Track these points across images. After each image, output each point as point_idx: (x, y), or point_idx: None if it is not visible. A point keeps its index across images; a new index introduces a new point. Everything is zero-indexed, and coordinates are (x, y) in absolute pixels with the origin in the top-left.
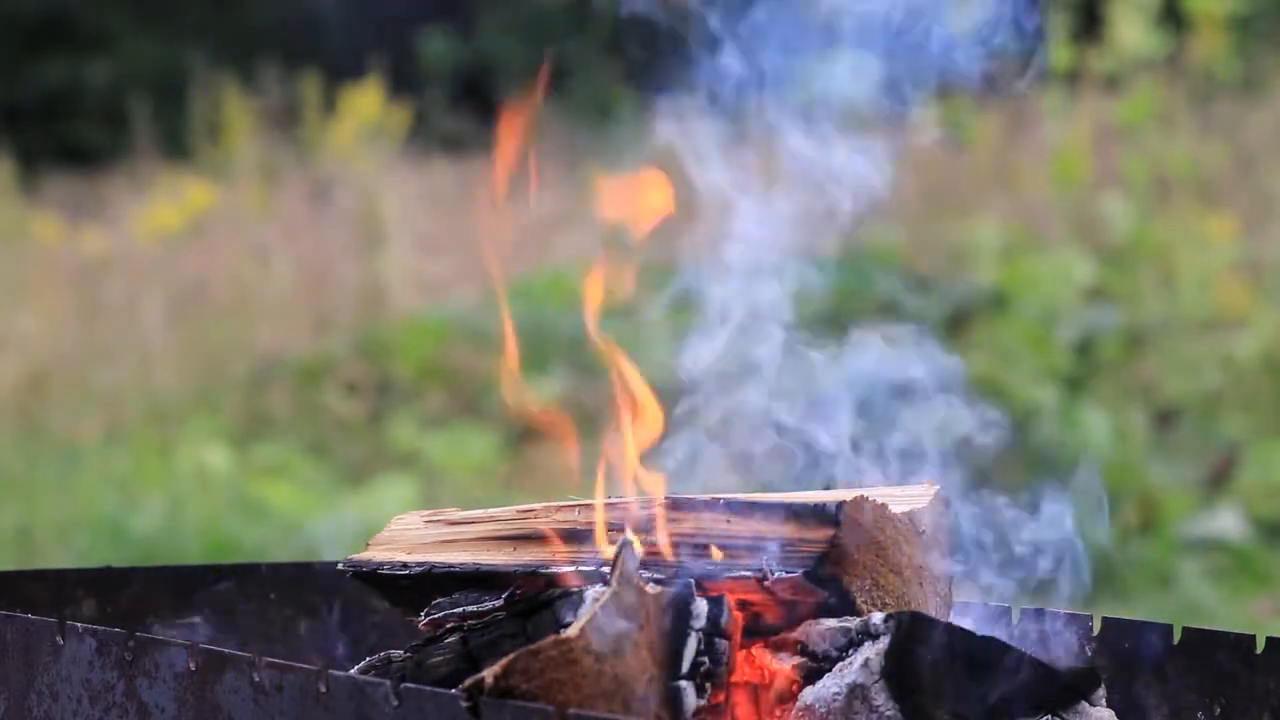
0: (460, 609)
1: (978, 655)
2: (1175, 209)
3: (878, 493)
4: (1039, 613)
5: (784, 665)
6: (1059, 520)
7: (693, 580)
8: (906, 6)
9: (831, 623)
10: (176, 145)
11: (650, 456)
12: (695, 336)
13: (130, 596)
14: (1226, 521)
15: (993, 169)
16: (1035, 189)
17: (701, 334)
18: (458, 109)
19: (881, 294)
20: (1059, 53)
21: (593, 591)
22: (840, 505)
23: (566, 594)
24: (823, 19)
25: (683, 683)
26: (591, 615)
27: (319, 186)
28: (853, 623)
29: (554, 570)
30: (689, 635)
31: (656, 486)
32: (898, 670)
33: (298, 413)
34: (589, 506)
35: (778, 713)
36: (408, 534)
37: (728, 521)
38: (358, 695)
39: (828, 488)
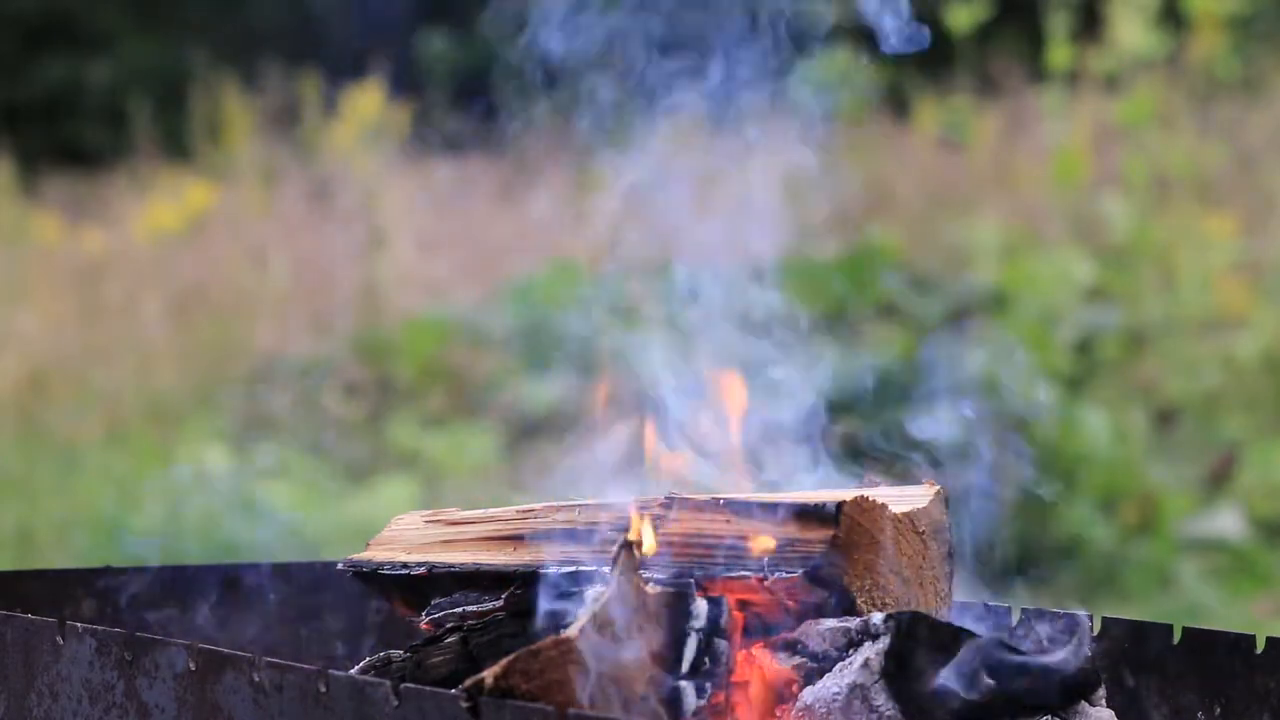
0: (460, 609)
1: (978, 655)
2: (1175, 209)
3: (878, 492)
4: (1039, 613)
5: (784, 665)
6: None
7: (693, 580)
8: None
9: (831, 623)
10: (176, 145)
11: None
12: (697, 338)
13: (130, 596)
14: (1226, 521)
15: (992, 169)
16: (1035, 189)
17: (702, 335)
18: (458, 109)
19: (881, 294)
20: (1059, 53)
21: (593, 591)
22: (840, 505)
23: (567, 594)
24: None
25: (683, 683)
26: (592, 615)
27: (319, 186)
28: (853, 623)
29: (554, 570)
30: (689, 635)
31: (657, 486)
32: (898, 670)
33: (298, 413)
34: (589, 506)
35: (778, 713)
36: (408, 534)
37: (728, 521)
38: (358, 695)
39: (827, 488)
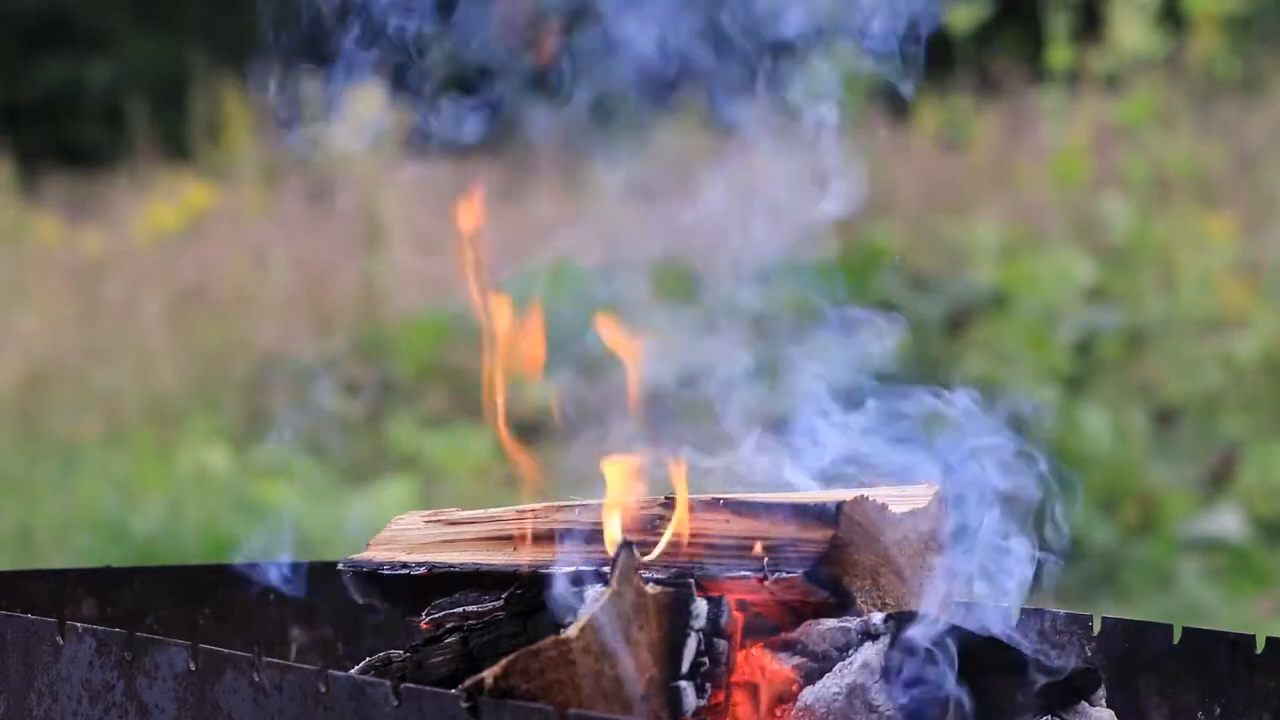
0: (460, 609)
1: (978, 655)
2: (1175, 209)
3: (878, 493)
4: (1039, 613)
5: (784, 665)
6: None
7: (693, 580)
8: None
9: (831, 623)
10: (176, 145)
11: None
12: (697, 336)
13: (130, 596)
14: (1226, 521)
15: (992, 169)
16: (1035, 189)
17: (703, 334)
18: (457, 109)
19: (881, 294)
20: (1059, 53)
21: (593, 591)
22: (840, 505)
23: (567, 594)
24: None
25: (683, 683)
26: (591, 615)
27: (319, 186)
28: (853, 623)
29: (554, 570)
30: (689, 635)
31: (656, 486)
32: (897, 670)
33: (298, 413)
34: (589, 506)
35: (778, 713)
36: (408, 534)
37: (727, 521)
38: (358, 695)
39: (828, 488)
